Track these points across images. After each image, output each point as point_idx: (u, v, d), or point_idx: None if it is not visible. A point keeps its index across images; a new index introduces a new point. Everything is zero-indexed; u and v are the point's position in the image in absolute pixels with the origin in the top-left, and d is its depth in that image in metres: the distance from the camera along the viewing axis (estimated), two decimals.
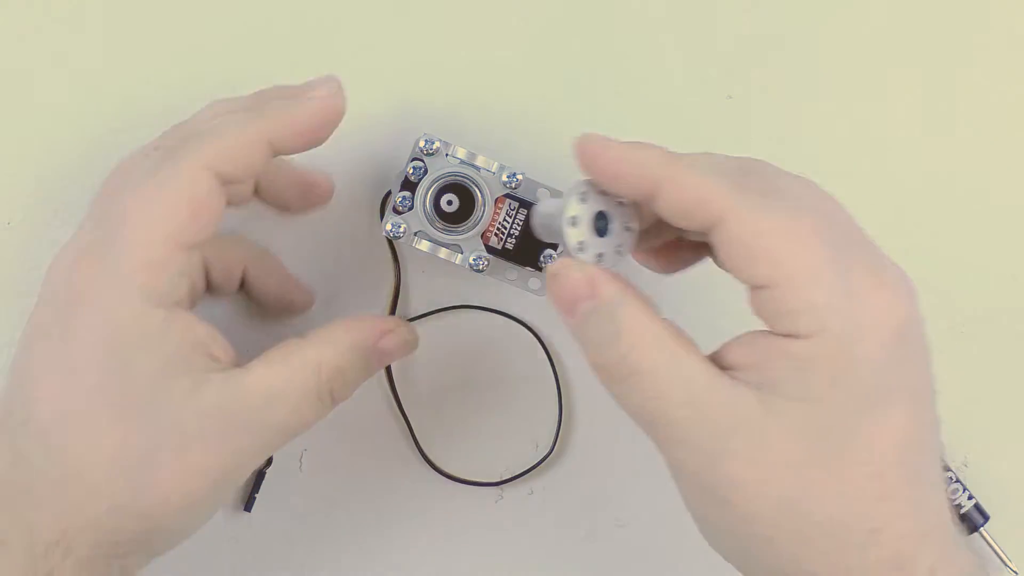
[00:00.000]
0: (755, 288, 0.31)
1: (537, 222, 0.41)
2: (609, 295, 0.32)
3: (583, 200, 0.34)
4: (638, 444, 0.47)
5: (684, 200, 0.32)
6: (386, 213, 0.41)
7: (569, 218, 0.34)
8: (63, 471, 0.34)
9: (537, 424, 0.47)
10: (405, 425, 0.46)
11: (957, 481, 0.46)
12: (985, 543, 0.47)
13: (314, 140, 0.37)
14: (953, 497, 0.46)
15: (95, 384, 0.34)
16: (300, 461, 0.46)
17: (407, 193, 0.41)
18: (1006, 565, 0.47)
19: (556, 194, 0.42)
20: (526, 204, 0.42)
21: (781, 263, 0.31)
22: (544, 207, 0.40)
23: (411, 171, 0.42)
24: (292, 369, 0.35)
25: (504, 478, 0.47)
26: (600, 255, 0.35)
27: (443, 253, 0.42)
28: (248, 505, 0.45)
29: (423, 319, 0.46)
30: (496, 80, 0.47)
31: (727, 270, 0.32)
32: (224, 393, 0.34)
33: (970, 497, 0.46)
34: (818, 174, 0.48)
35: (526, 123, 0.47)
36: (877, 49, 0.49)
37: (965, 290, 0.48)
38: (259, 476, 0.45)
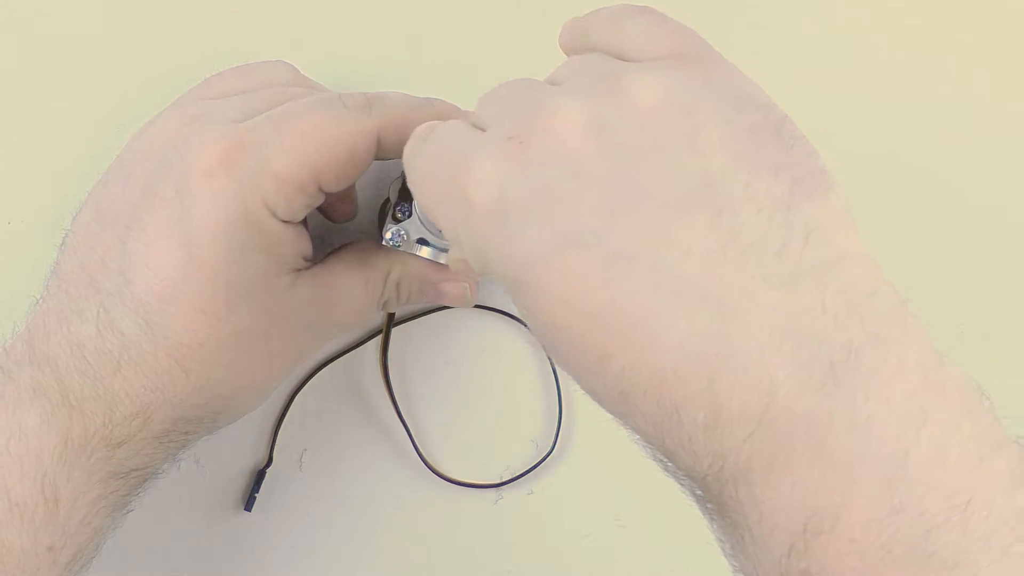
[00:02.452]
0: None
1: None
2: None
3: None
4: (639, 444, 0.47)
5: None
6: (385, 221, 0.41)
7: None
8: (156, 347, 0.35)
9: (536, 423, 0.47)
10: (408, 427, 0.46)
11: None
12: None
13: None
14: None
15: (207, 270, 0.35)
16: (300, 461, 0.46)
17: (405, 203, 0.41)
18: None
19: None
20: None
21: (419, 200, 0.33)
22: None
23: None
24: (366, 273, 0.39)
25: (504, 479, 0.47)
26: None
27: (444, 259, 0.42)
28: (248, 504, 0.45)
29: (422, 318, 0.46)
30: (495, 79, 0.47)
31: None
32: (315, 289, 0.38)
33: None
34: None
35: None
36: (879, 48, 0.49)
37: (965, 290, 0.48)
38: (259, 476, 0.45)
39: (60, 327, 0.36)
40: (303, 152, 0.35)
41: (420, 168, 0.32)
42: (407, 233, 0.41)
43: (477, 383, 0.47)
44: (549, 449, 0.47)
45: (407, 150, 0.33)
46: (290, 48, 0.46)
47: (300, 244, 0.37)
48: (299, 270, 0.37)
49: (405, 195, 0.41)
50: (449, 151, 0.30)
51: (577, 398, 0.47)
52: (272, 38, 0.47)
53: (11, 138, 0.46)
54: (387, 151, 0.37)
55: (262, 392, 0.39)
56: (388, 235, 0.41)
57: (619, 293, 0.26)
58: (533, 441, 0.47)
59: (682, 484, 0.28)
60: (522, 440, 0.47)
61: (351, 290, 0.39)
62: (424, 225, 0.41)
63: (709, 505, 0.28)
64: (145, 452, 0.37)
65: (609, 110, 0.28)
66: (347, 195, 0.43)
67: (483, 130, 0.30)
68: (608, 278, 0.26)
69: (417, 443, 0.46)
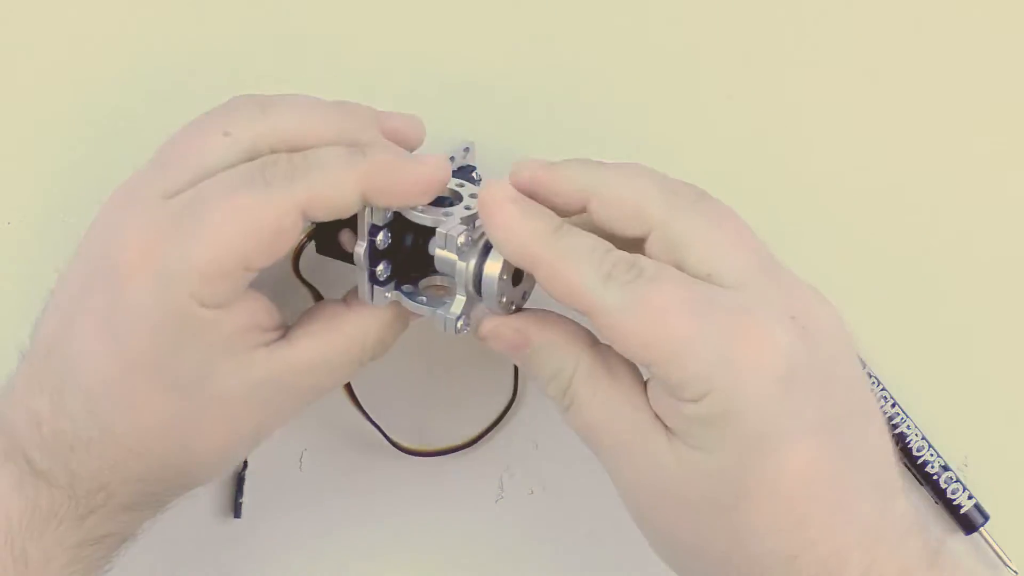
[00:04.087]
0: (641, 364, 0.35)
1: (445, 267, 0.37)
2: (541, 340, 0.36)
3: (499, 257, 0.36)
4: None
5: (559, 290, 0.34)
6: (372, 288, 0.37)
7: (496, 279, 0.36)
8: (103, 434, 0.35)
9: (536, 421, 0.47)
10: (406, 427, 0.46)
11: (957, 481, 0.46)
12: (985, 543, 0.47)
13: (404, 205, 0.36)
14: (953, 497, 0.46)
15: (140, 361, 0.34)
16: (300, 461, 0.46)
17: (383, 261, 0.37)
18: (1006, 565, 0.47)
19: (453, 244, 0.37)
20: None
21: (650, 348, 0.33)
22: (469, 266, 0.37)
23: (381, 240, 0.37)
24: (336, 340, 0.37)
25: (503, 479, 0.47)
26: (513, 304, 0.37)
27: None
28: (237, 511, 0.45)
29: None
30: (495, 78, 0.47)
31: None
32: (269, 367, 0.35)
33: (970, 497, 0.46)
34: (818, 174, 0.48)
35: (524, 122, 0.47)
36: (878, 49, 0.49)
37: (966, 290, 0.48)
38: (239, 480, 0.45)
39: (24, 396, 0.36)
40: (223, 240, 0.33)
41: (657, 303, 0.33)
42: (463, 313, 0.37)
43: (477, 383, 0.47)
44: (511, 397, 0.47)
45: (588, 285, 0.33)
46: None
47: (244, 320, 0.35)
48: (254, 347, 0.35)
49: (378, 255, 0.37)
50: (720, 304, 0.33)
51: None
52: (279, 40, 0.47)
53: (11, 138, 0.46)
54: (318, 218, 0.34)
55: (230, 462, 0.39)
56: (459, 323, 0.37)
57: (848, 484, 0.34)
58: (535, 442, 0.47)
59: None
60: (522, 440, 0.47)
61: (321, 362, 0.36)
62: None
63: None
64: (116, 520, 0.36)
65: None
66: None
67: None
68: (838, 470, 0.34)
69: (416, 443, 0.46)
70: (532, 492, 0.47)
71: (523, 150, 0.45)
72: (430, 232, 0.36)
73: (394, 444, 0.45)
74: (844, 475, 0.34)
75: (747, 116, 0.48)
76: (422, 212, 0.36)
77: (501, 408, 0.46)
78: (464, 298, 0.36)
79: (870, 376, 0.47)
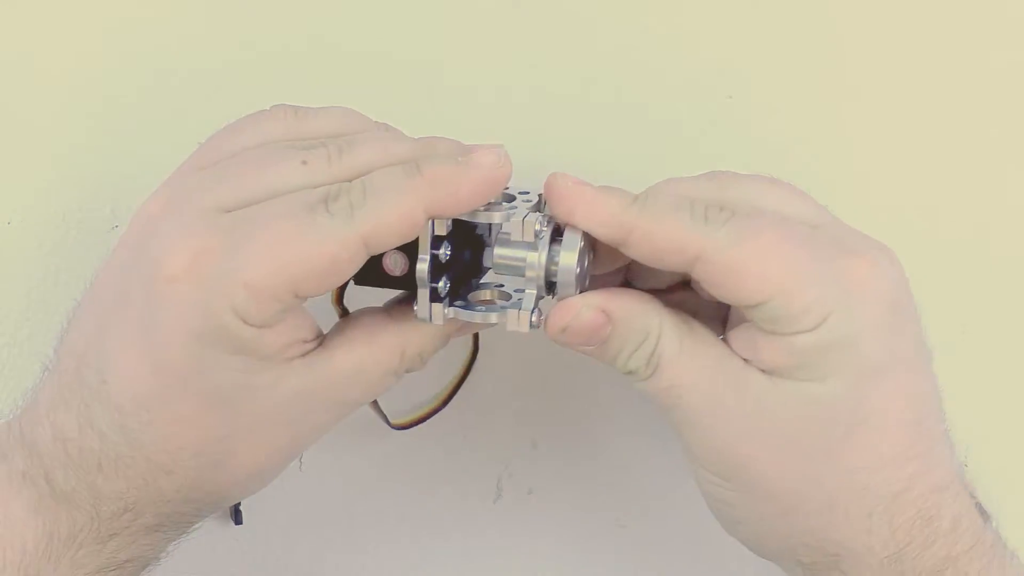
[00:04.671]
0: (747, 307, 0.33)
1: (507, 266, 0.36)
2: (622, 311, 0.35)
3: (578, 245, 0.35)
4: (639, 445, 0.47)
5: (658, 248, 0.34)
6: (431, 306, 0.36)
7: (575, 262, 0.35)
8: (134, 451, 0.34)
9: (534, 420, 0.47)
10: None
11: None
12: None
13: (470, 209, 0.35)
14: None
15: (177, 378, 0.33)
16: (300, 461, 0.46)
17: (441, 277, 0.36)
18: None
19: (514, 239, 0.36)
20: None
21: (767, 280, 0.33)
22: (540, 255, 0.36)
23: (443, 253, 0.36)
24: (375, 351, 0.35)
25: (501, 479, 0.47)
26: (582, 289, 0.36)
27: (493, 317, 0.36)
28: (237, 518, 0.45)
29: None
30: (493, 77, 0.47)
31: (715, 297, 0.34)
32: (306, 379, 0.34)
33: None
34: (819, 174, 0.48)
35: (524, 121, 0.47)
36: (878, 49, 0.49)
37: (966, 290, 0.48)
38: None
39: (48, 414, 0.35)
40: (277, 262, 0.32)
41: (766, 236, 0.33)
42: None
43: (476, 383, 0.47)
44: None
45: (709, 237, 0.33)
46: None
47: (285, 338, 0.34)
48: (290, 359, 0.34)
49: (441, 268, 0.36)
50: (820, 237, 0.34)
51: (578, 399, 0.47)
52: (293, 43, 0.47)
53: (11, 138, 0.46)
54: (381, 248, 0.33)
55: (264, 480, 0.37)
56: (534, 318, 0.35)
57: (936, 421, 0.36)
58: (533, 441, 0.47)
59: None
60: (521, 439, 0.47)
61: (358, 372, 0.35)
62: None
63: None
64: (139, 543, 0.35)
65: None
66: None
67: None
68: (932, 405, 0.36)
69: (415, 443, 0.46)
70: (531, 492, 0.47)
71: (523, 151, 0.45)
72: (480, 243, 0.37)
73: (387, 421, 0.44)
74: (934, 411, 0.35)
75: (747, 116, 0.48)
76: (485, 210, 0.35)
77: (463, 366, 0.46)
78: (535, 292, 0.35)
79: None
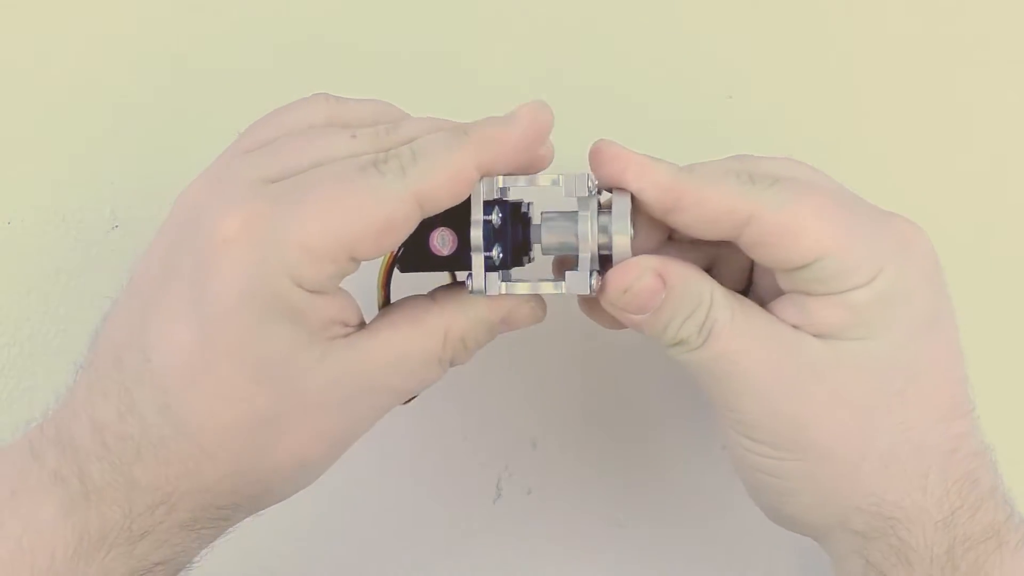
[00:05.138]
0: (799, 268, 0.33)
1: (556, 239, 0.36)
2: (677, 277, 0.34)
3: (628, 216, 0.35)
4: (638, 444, 0.47)
5: (710, 212, 0.33)
6: (485, 276, 0.34)
7: (627, 232, 0.34)
8: (178, 432, 0.33)
9: (534, 421, 0.47)
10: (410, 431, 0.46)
11: None
12: None
13: (523, 162, 0.34)
14: None
15: (227, 348, 0.32)
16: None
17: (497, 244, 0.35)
18: None
19: (565, 213, 0.36)
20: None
21: (822, 237, 0.33)
22: (590, 223, 0.35)
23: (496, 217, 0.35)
24: (418, 334, 0.35)
25: (501, 479, 0.47)
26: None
27: (545, 287, 0.35)
28: None
29: None
30: (492, 76, 0.47)
31: (763, 262, 0.34)
32: (351, 360, 0.34)
33: None
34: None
35: None
36: (878, 48, 0.49)
37: (967, 290, 0.48)
38: None
39: (85, 407, 0.34)
40: (331, 223, 0.31)
41: (814, 198, 0.33)
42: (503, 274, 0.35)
43: (476, 383, 0.47)
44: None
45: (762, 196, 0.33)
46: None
47: (334, 312, 0.33)
48: (333, 338, 0.33)
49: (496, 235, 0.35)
50: (859, 201, 0.36)
51: (578, 398, 0.47)
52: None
53: (11, 138, 0.46)
54: (434, 208, 0.33)
55: (308, 474, 0.36)
56: (593, 282, 0.34)
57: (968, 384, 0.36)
58: (533, 441, 0.47)
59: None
60: (520, 439, 0.47)
61: (401, 355, 0.34)
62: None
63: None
64: (172, 543, 0.34)
65: None
66: None
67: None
68: (963, 367, 0.36)
69: (414, 443, 0.46)
70: (530, 492, 0.47)
71: None
72: (526, 222, 0.36)
73: None
74: (965, 373, 0.36)
75: (747, 116, 0.48)
76: (530, 181, 0.35)
77: None
78: (588, 256, 0.34)
79: None
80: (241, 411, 0.33)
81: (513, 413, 0.47)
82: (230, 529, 0.36)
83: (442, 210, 0.33)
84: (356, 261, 0.32)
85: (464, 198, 0.33)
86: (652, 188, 0.34)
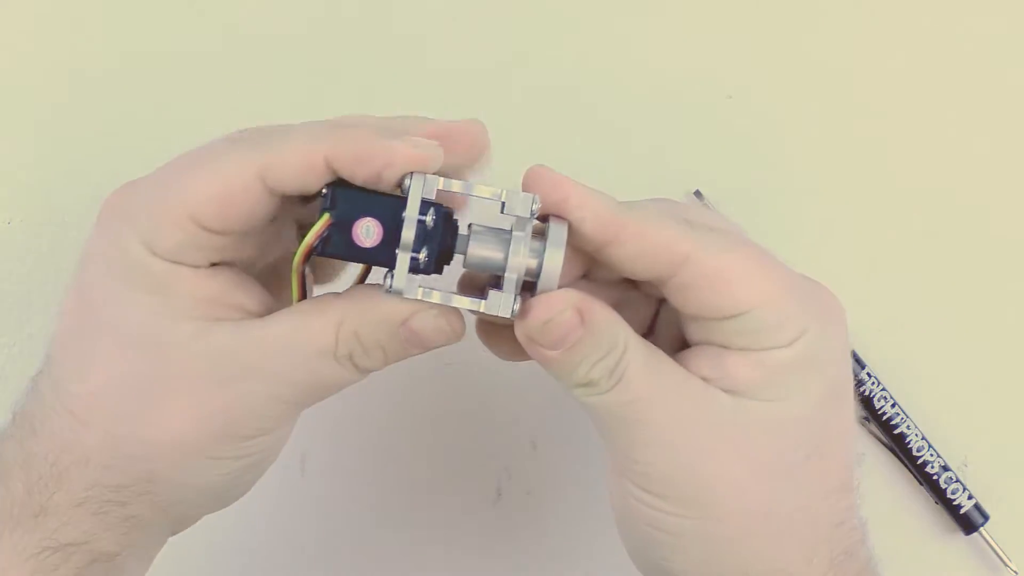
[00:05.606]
0: (725, 318, 0.33)
1: (483, 255, 0.33)
2: (598, 316, 0.33)
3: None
4: None
5: (649, 248, 0.32)
6: (407, 277, 0.32)
7: (559, 263, 0.32)
8: (58, 401, 0.33)
9: (534, 421, 0.47)
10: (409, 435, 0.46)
11: (957, 481, 0.46)
12: (985, 543, 0.47)
13: (375, 179, 0.32)
14: (953, 497, 0.46)
15: (94, 313, 0.33)
16: (302, 464, 0.46)
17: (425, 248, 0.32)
18: (1006, 565, 0.47)
19: (496, 230, 0.33)
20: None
21: (755, 289, 0.32)
22: (524, 245, 0.33)
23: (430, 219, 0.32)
24: (309, 323, 0.33)
25: (501, 479, 0.47)
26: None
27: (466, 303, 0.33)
28: None
29: None
30: (492, 76, 0.47)
31: (688, 308, 0.33)
32: (235, 340, 0.33)
33: (970, 497, 0.46)
34: (819, 174, 0.48)
35: (521, 120, 0.47)
36: (878, 48, 0.49)
37: (967, 291, 0.48)
38: None
39: (20, 398, 0.35)
40: (173, 188, 0.32)
41: (750, 248, 0.33)
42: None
43: (476, 383, 0.47)
44: None
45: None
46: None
47: (211, 291, 0.33)
48: (218, 319, 0.33)
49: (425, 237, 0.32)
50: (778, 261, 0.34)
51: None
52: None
53: (11, 138, 0.46)
54: (279, 186, 0.32)
55: (197, 463, 0.34)
56: (515, 307, 0.32)
57: None
58: (532, 442, 0.47)
59: None
60: (520, 441, 0.47)
61: (290, 343, 0.33)
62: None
63: None
64: (76, 524, 0.33)
65: None
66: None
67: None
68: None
69: (414, 445, 0.46)
70: (530, 493, 0.47)
71: (520, 151, 0.45)
72: (452, 228, 0.33)
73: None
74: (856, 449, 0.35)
75: (747, 116, 0.48)
76: (467, 189, 0.33)
77: None
78: (515, 277, 0.32)
79: (870, 376, 0.47)
80: (108, 377, 0.33)
81: (513, 414, 0.47)
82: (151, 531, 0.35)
83: (288, 192, 0.32)
84: (208, 230, 0.32)
85: (312, 188, 0.32)
86: (593, 219, 0.32)
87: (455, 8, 0.48)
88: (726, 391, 0.33)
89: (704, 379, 0.33)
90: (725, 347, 0.33)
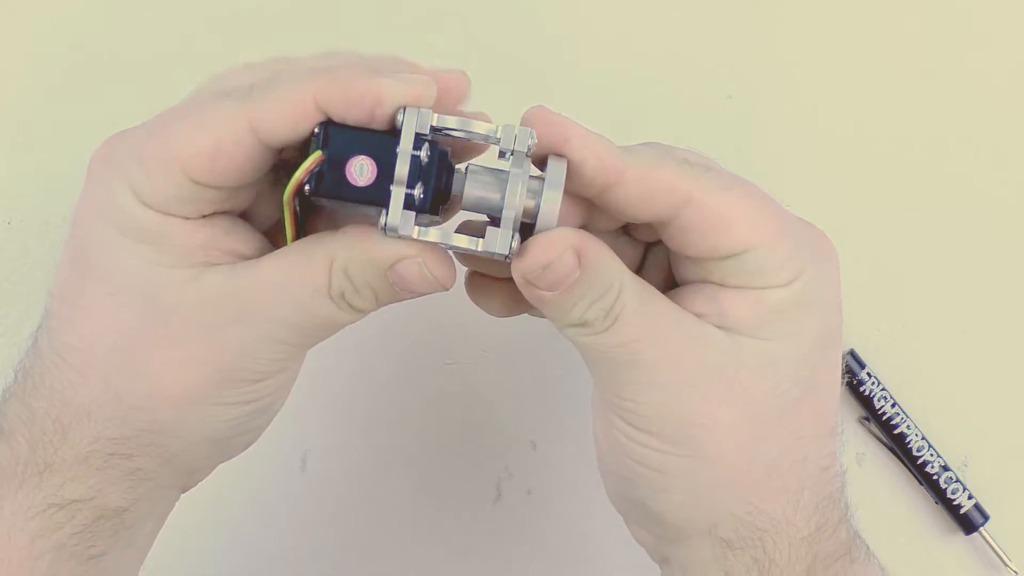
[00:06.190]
0: (722, 258, 0.32)
1: (480, 194, 0.32)
2: (595, 257, 0.32)
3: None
4: None
5: (651, 189, 0.32)
6: (402, 213, 0.31)
7: (557, 201, 0.32)
8: (56, 355, 0.33)
9: (534, 421, 0.47)
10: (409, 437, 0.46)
11: (957, 481, 0.46)
12: (985, 543, 0.47)
13: (367, 117, 0.31)
14: (953, 497, 0.46)
15: (88, 265, 0.33)
16: (302, 462, 0.46)
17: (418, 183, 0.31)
18: (1006, 565, 0.47)
19: (494, 170, 0.33)
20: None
21: (755, 229, 0.32)
22: (521, 183, 0.32)
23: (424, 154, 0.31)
24: (303, 261, 0.33)
25: (501, 479, 0.47)
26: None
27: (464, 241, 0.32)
28: None
29: (422, 317, 0.46)
30: (491, 78, 0.47)
31: (687, 250, 0.33)
32: (228, 282, 0.32)
33: (970, 497, 0.46)
34: (818, 175, 0.48)
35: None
36: (878, 49, 0.49)
37: (968, 291, 0.48)
38: None
39: (21, 357, 0.35)
40: (163, 141, 0.31)
41: (747, 188, 0.33)
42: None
43: (476, 383, 0.47)
44: None
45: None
46: None
47: (205, 238, 0.32)
48: (213, 263, 0.32)
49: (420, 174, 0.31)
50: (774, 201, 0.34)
51: (576, 397, 0.47)
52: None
53: (11, 139, 0.46)
54: (271, 137, 0.31)
55: (200, 412, 0.34)
56: (513, 244, 0.31)
57: None
58: (532, 442, 0.47)
59: None
60: (520, 441, 0.47)
61: (284, 281, 0.33)
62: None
63: None
64: (81, 479, 0.33)
65: None
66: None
67: None
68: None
69: (414, 444, 0.46)
70: (530, 492, 0.47)
71: None
72: (448, 168, 0.32)
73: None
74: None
75: (747, 116, 0.48)
76: (460, 128, 0.32)
77: None
78: (512, 216, 0.31)
79: (870, 376, 0.47)
80: (104, 326, 0.32)
81: (513, 414, 0.47)
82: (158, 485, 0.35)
83: (283, 141, 0.31)
84: (200, 184, 0.31)
85: (302, 132, 0.31)
86: (595, 161, 0.31)
87: (455, 8, 0.48)
88: (720, 327, 0.33)
89: (698, 315, 0.33)
90: (722, 285, 0.33)
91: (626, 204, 0.32)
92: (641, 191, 0.32)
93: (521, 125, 0.32)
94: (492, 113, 0.45)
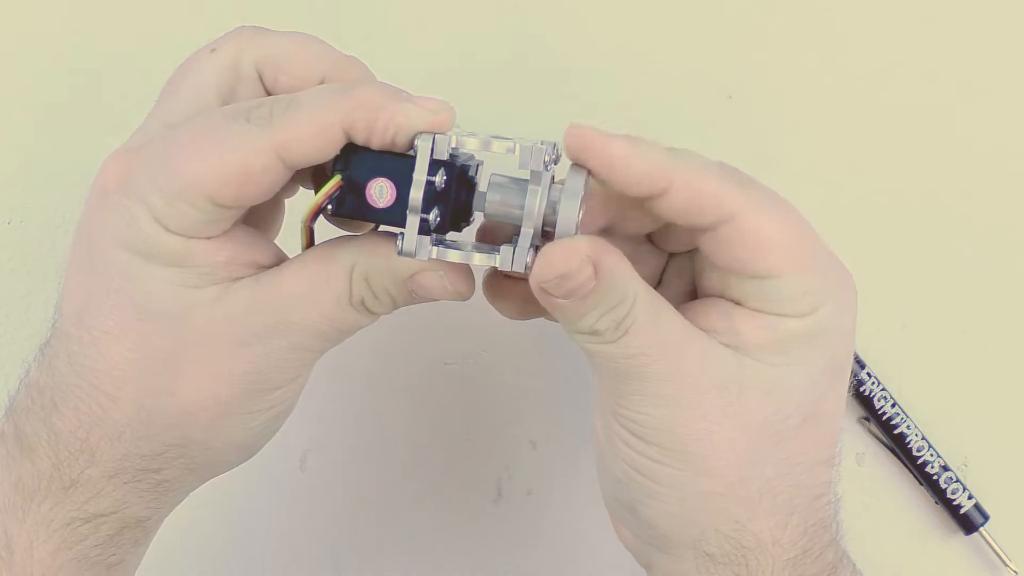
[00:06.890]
0: (752, 277, 0.33)
1: (501, 206, 0.33)
2: (611, 268, 0.32)
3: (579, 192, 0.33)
4: None
5: (696, 198, 0.32)
6: (417, 239, 0.32)
7: (575, 214, 0.32)
8: (80, 378, 0.33)
9: (534, 421, 0.47)
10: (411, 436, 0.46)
11: (957, 481, 0.46)
12: (985, 543, 0.47)
13: (389, 144, 0.32)
14: (953, 497, 0.46)
15: (110, 292, 0.33)
16: (302, 462, 0.46)
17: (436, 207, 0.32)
18: (1006, 565, 0.47)
19: (517, 181, 0.34)
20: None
21: (789, 257, 0.32)
22: (539, 198, 0.33)
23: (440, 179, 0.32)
24: (325, 269, 0.34)
25: (501, 479, 0.47)
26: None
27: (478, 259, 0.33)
28: None
29: (422, 317, 0.46)
30: (490, 79, 0.47)
31: (719, 260, 0.33)
32: (253, 297, 0.33)
33: (970, 497, 0.46)
34: (818, 175, 0.48)
35: (522, 120, 0.47)
36: (878, 48, 0.49)
37: (967, 291, 0.48)
38: None
39: (27, 371, 0.35)
40: (188, 171, 0.32)
41: (787, 211, 0.33)
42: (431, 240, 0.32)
43: (477, 383, 0.47)
44: None
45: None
46: None
47: (228, 254, 0.33)
48: (236, 278, 0.33)
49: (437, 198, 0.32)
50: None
51: (576, 396, 0.47)
52: None
53: (11, 138, 0.46)
54: (298, 162, 0.32)
55: (229, 421, 0.34)
56: (529, 258, 0.32)
57: None
58: (532, 442, 0.47)
59: None
60: (520, 440, 0.47)
61: (307, 290, 0.34)
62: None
63: None
64: (107, 495, 0.34)
65: None
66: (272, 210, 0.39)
67: None
68: None
69: (415, 444, 0.46)
70: (530, 492, 0.47)
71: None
72: (470, 187, 0.33)
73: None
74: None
75: (747, 116, 0.48)
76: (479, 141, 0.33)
77: None
78: (531, 231, 0.32)
79: (870, 376, 0.47)
80: (134, 350, 0.33)
81: (513, 413, 0.47)
82: (175, 490, 0.35)
83: (308, 165, 0.32)
84: (224, 207, 0.32)
85: (329, 155, 0.32)
86: (638, 180, 0.32)
87: (454, 7, 0.48)
88: (729, 346, 0.33)
89: (710, 330, 0.33)
90: (739, 303, 0.33)
91: (669, 212, 0.33)
92: (687, 201, 0.32)
93: (566, 150, 0.33)
94: (498, 114, 0.45)
